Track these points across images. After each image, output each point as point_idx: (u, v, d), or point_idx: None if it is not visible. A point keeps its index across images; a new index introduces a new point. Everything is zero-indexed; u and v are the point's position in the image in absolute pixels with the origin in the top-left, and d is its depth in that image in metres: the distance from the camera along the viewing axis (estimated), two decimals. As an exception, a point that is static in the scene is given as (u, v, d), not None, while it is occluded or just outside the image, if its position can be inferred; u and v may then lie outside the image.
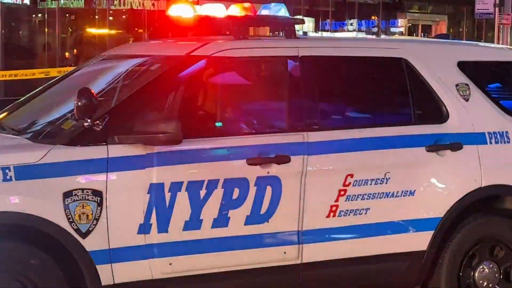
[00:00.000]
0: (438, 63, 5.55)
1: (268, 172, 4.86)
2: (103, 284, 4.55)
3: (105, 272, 4.54)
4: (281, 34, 5.66)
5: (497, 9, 24.29)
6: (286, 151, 4.91)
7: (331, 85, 5.36)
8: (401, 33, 31.13)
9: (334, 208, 5.04)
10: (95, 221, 4.51)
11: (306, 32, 26.68)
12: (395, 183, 5.18)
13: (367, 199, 5.11)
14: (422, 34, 33.69)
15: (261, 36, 5.91)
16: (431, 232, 5.28)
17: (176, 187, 4.68)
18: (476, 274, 5.46)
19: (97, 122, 4.57)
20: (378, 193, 5.14)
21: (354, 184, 5.07)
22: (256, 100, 5.27)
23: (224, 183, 4.77)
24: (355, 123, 5.34)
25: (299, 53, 5.15)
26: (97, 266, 4.52)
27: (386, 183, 5.16)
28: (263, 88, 5.28)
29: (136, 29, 24.44)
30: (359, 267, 5.15)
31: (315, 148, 5.00)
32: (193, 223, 4.72)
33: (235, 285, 4.87)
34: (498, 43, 23.43)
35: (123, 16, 24.65)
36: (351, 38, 6.20)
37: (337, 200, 5.04)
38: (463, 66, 5.61)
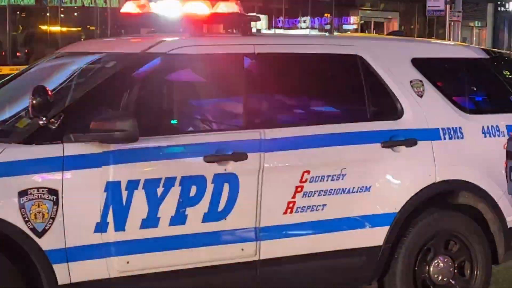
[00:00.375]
0: (392, 60, 5.60)
1: (225, 169, 4.86)
2: (59, 283, 4.51)
3: (61, 272, 4.50)
4: (234, 31, 5.65)
5: (448, 6, 24.57)
6: (243, 148, 4.92)
7: (287, 82, 5.37)
8: (355, 30, 31.36)
9: (291, 205, 5.05)
10: (51, 220, 4.46)
11: (260, 29, 26.74)
12: (351, 179, 5.21)
13: (323, 195, 5.14)
14: (374, 31, 33.97)
15: (216, 33, 5.90)
16: (387, 228, 5.32)
17: (133, 185, 4.65)
18: (431, 269, 5.52)
19: (53, 120, 4.53)
20: (335, 189, 5.17)
21: (311, 180, 5.10)
22: (213, 97, 5.27)
23: (182, 180, 4.76)
24: (311, 119, 5.36)
25: (255, 50, 5.16)
26: (54, 266, 4.48)
27: (342, 179, 5.19)
28: (220, 85, 5.28)
29: (88, 26, 24.25)
30: (316, 263, 5.17)
31: (272, 145, 5.01)
32: (151, 221, 4.70)
33: (193, 283, 4.86)
34: (449, 40, 23.71)
35: (75, 14, 24.44)
36: (307, 35, 6.20)
37: (294, 197, 5.06)
38: (417, 62, 5.66)
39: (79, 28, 24.37)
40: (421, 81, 5.60)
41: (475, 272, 5.65)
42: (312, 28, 30.65)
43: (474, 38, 40.28)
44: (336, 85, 5.61)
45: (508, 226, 5.68)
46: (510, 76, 6.39)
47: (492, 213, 5.64)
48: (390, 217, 5.33)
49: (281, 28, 29.91)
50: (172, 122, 5.16)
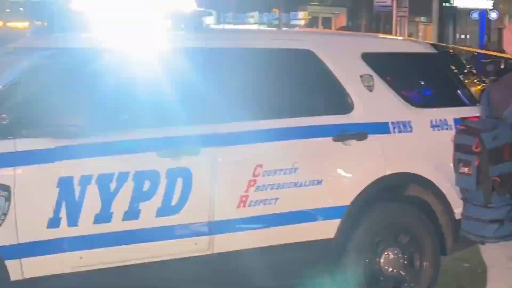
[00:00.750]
0: (343, 54, 5.66)
1: (178, 164, 4.87)
2: (12, 279, 4.48)
3: (14, 268, 4.47)
4: (183, 26, 5.64)
5: (395, 2, 24.85)
6: (196, 143, 4.94)
7: (240, 77, 5.40)
8: (306, 26, 31.50)
9: (244, 199, 5.08)
10: (3, 216, 4.43)
11: (208, 24, 26.66)
12: (303, 173, 5.26)
13: (276, 189, 5.18)
14: (322, 26, 34.17)
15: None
16: (339, 220, 5.38)
17: (85, 180, 4.64)
18: (382, 260, 5.58)
19: (3, 115, 4.49)
20: (287, 183, 5.22)
21: (264, 174, 5.13)
22: (166, 92, 5.27)
23: (135, 175, 4.76)
24: (264, 114, 5.39)
25: (207, 45, 5.18)
26: (6, 262, 4.45)
27: (294, 173, 5.24)
28: (173, 80, 5.27)
29: (35, 21, 23.98)
30: (270, 257, 5.20)
31: (225, 139, 5.04)
32: (104, 216, 4.70)
33: (147, 277, 4.87)
34: (396, 35, 23.95)
35: (21, 9, 24.16)
36: (259, 30, 6.24)
37: (247, 191, 5.09)
38: (367, 57, 5.73)
39: (26, 23, 24.09)
40: (371, 75, 5.67)
41: (425, 263, 5.73)
42: (261, 23, 30.71)
43: (420, 33, 40.76)
44: (288, 80, 5.64)
45: (456, 218, 5.77)
46: (456, 71, 6.53)
47: (441, 205, 5.73)
48: (342, 210, 5.39)
49: (229, 23, 29.91)
50: (125, 117, 5.15)
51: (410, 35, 32.81)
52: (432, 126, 5.76)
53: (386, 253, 5.59)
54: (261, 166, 5.12)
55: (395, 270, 5.62)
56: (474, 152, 3.45)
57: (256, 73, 5.52)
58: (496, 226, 3.45)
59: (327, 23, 34.59)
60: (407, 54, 6.11)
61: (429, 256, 5.74)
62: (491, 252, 3.69)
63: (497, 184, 3.39)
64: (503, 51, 6.21)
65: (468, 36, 44.73)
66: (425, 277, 5.73)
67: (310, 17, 33.60)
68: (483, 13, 40.48)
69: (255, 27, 29.78)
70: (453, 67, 6.50)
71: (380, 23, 35.72)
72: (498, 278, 3.73)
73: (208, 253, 5.01)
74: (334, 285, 5.57)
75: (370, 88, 5.63)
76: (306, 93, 5.60)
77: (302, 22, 32.42)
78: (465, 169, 3.50)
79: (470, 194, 3.53)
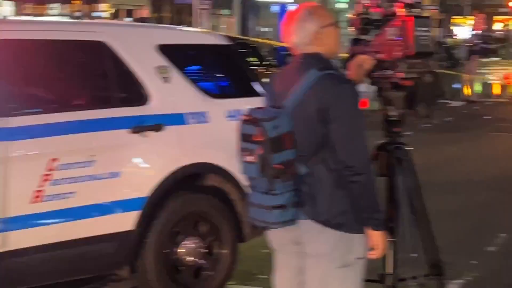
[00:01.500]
0: (137, 46, 5.66)
1: (-33, 160, 4.71)
2: None
3: None
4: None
5: (196, -6, 24.98)
6: (-14, 137, 4.78)
7: (32, 69, 5.27)
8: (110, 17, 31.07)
9: (39, 193, 4.98)
10: None
11: (5, 16, 25.90)
12: (101, 166, 5.23)
13: (73, 182, 5.11)
14: (125, 18, 33.84)
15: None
16: (138, 212, 5.39)
17: None
18: (181, 250, 5.65)
19: None
20: (84, 176, 5.16)
21: (59, 168, 5.05)
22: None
23: None
24: (58, 107, 5.30)
25: (-4, 36, 5.03)
26: None
27: (91, 166, 5.19)
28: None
29: None
30: (68, 251, 5.13)
31: (17, 133, 4.92)
32: None
33: None
34: (197, 27, 24.11)
35: None
36: (52, 21, 6.11)
37: (42, 185, 4.99)
38: (162, 49, 5.75)
39: None
40: (166, 67, 5.70)
41: (223, 251, 5.85)
42: (62, 15, 30.01)
43: (223, 26, 41.29)
44: (82, 72, 5.57)
45: (253, 206, 5.93)
46: (258, 62, 6.67)
47: (237, 193, 5.86)
48: (141, 202, 5.40)
49: (30, 15, 29.03)
50: None
51: (213, 28, 33.15)
52: (228, 116, 5.87)
53: (185, 242, 5.66)
54: (56, 160, 5.04)
55: (195, 259, 5.69)
56: (257, 141, 3.53)
57: (49, 65, 5.42)
58: (279, 212, 3.54)
59: (130, 15, 34.26)
60: (202, 46, 6.20)
61: (228, 243, 5.87)
62: (278, 237, 3.81)
63: (280, 171, 3.49)
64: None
65: (270, 29, 45.76)
66: (224, 265, 5.85)
67: (115, 9, 33.16)
68: (283, 6, 41.60)
69: (56, 19, 29.09)
70: (252, 59, 6.64)
71: (183, 15, 35.86)
72: (284, 262, 3.86)
73: (1, 250, 4.87)
74: (134, 277, 5.58)
75: (166, 80, 5.66)
76: (102, 85, 5.55)
77: (105, 14, 31.99)
78: (250, 158, 3.58)
79: (255, 182, 3.62)
